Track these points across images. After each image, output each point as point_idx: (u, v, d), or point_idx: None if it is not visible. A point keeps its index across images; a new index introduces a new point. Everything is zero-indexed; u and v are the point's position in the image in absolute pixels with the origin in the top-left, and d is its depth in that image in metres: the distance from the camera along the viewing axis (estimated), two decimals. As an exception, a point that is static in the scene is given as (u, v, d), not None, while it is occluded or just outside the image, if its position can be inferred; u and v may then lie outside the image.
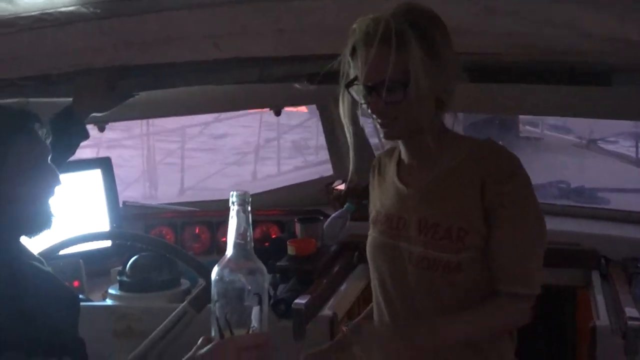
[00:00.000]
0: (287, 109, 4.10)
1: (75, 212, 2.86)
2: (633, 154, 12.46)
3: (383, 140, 2.03)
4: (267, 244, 3.26)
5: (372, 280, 2.12)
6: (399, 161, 2.08)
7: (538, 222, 1.92)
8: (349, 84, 1.89)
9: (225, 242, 3.13)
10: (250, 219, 1.53)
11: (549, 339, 3.22)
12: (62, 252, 2.32)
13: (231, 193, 1.53)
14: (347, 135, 1.98)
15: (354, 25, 1.83)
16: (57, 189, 1.85)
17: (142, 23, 2.16)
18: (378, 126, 1.91)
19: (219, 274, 1.52)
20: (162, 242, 2.59)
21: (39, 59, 2.27)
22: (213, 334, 1.53)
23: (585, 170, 10.45)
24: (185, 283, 2.81)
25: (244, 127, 14.19)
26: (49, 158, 1.84)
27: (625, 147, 12.80)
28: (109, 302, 2.76)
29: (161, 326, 2.37)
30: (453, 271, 1.88)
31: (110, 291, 2.77)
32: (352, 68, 1.87)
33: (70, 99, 2.37)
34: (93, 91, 2.34)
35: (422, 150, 1.95)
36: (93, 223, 3.07)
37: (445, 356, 1.93)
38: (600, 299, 2.69)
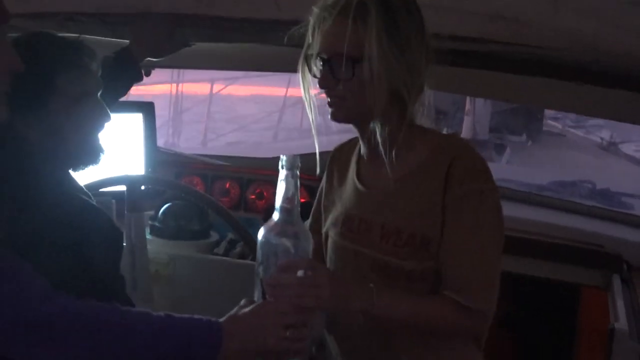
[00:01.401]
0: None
1: (113, 152, 2.88)
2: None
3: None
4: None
5: None
6: (359, 158, 1.92)
7: (498, 231, 1.74)
8: (308, 57, 1.75)
9: (253, 200, 3.20)
10: (298, 183, 1.54)
11: (557, 334, 3.26)
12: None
13: (281, 157, 1.54)
14: (309, 113, 1.82)
15: None
16: (106, 124, 1.88)
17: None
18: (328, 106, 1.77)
19: (265, 236, 1.54)
20: (205, 196, 2.58)
21: (100, -4, 2.30)
22: (256, 296, 1.55)
23: (608, 172, 10.43)
24: (214, 235, 2.85)
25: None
26: (99, 93, 1.87)
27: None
28: (138, 244, 2.79)
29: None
30: (416, 280, 1.75)
31: (141, 234, 2.81)
32: (314, 39, 1.73)
33: (126, 41, 2.39)
34: (153, 35, 2.34)
35: (382, 145, 1.76)
36: (128, 165, 3.10)
37: (398, 354, 1.82)
38: (620, 303, 2.71)
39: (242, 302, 1.59)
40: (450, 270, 1.72)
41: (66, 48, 1.80)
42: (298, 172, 1.54)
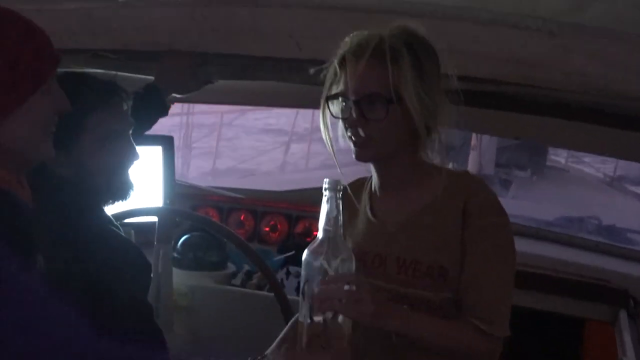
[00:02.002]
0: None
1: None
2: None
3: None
4: (309, 239, 3.34)
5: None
6: (371, 194, 1.96)
7: (513, 261, 1.84)
8: (331, 97, 1.82)
9: (267, 232, 3.26)
10: (340, 206, 1.58)
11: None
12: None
13: (324, 180, 1.59)
14: (330, 151, 1.89)
15: (347, 38, 1.80)
16: (135, 161, 1.95)
17: (233, 15, 2.26)
18: (352, 146, 1.82)
19: (309, 257, 1.58)
20: (223, 228, 2.65)
21: (127, 35, 2.38)
22: (302, 315, 1.58)
23: (612, 208, 10.46)
24: (231, 267, 2.91)
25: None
26: (130, 131, 1.94)
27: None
28: (157, 275, 2.86)
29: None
30: (434, 310, 1.81)
31: (160, 265, 2.87)
32: (337, 80, 1.81)
33: (150, 78, 2.47)
34: (177, 73, 2.42)
35: (396, 181, 1.88)
36: (146, 196, 3.17)
37: None
38: (627, 338, 2.76)
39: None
40: (472, 298, 1.79)
41: (99, 88, 1.88)
42: (340, 195, 1.59)
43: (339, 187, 1.59)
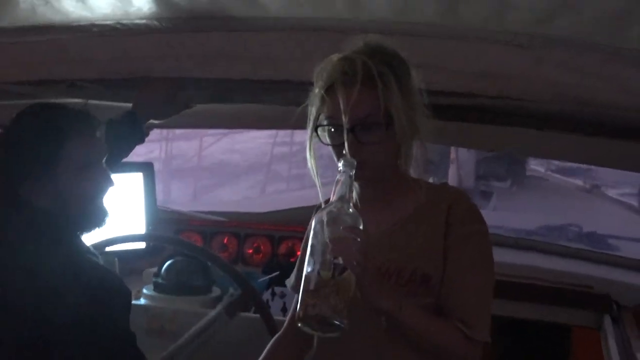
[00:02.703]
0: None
1: (114, 211, 2.96)
2: (635, 202, 12.53)
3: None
4: (293, 259, 3.34)
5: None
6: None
7: (492, 268, 1.89)
8: (323, 125, 1.83)
9: (251, 254, 3.27)
10: (352, 183, 1.71)
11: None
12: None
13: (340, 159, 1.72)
14: (316, 180, 1.91)
15: (325, 65, 1.81)
16: (109, 189, 1.96)
17: (208, 40, 2.28)
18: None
19: (317, 215, 1.68)
20: (207, 251, 2.67)
21: (104, 63, 2.39)
22: (309, 269, 1.63)
23: (592, 215, 10.54)
24: (216, 290, 2.91)
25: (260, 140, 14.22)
26: (104, 160, 1.96)
27: (627, 193, 12.87)
28: (142, 301, 2.86)
29: (193, 329, 2.47)
30: None
31: (145, 291, 2.88)
32: (324, 107, 1.81)
33: (128, 104, 2.48)
34: (154, 99, 2.43)
35: (379, 194, 1.91)
36: (129, 223, 3.18)
37: None
38: (612, 342, 2.79)
39: None
40: (454, 302, 1.82)
41: (72, 118, 1.89)
42: (353, 172, 1.70)
43: (353, 164, 1.70)
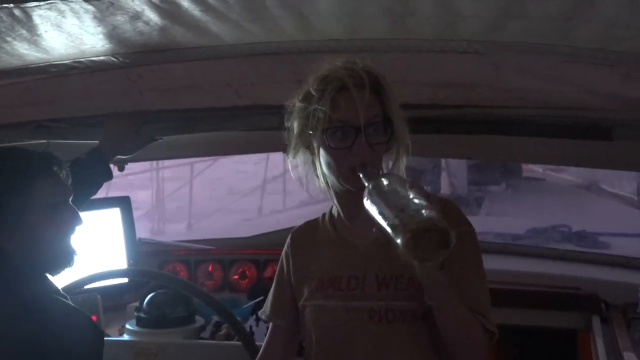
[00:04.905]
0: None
1: (94, 249, 2.95)
2: (634, 196, 12.50)
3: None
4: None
5: (312, 349, 2.00)
6: (334, 223, 2.03)
7: (483, 267, 1.96)
8: (333, 127, 1.85)
9: (237, 280, 3.25)
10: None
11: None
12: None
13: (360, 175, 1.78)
14: (323, 185, 1.96)
15: (330, 72, 1.85)
16: (77, 227, 1.95)
17: (168, 71, 2.28)
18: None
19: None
20: (186, 283, 2.66)
21: (68, 102, 2.39)
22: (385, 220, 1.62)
23: (586, 213, 10.52)
24: (199, 320, 2.89)
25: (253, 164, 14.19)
26: (70, 199, 1.94)
27: (626, 188, 12.85)
28: (125, 337, 2.84)
29: None
30: (418, 321, 1.87)
31: (128, 327, 2.85)
32: (330, 113, 1.84)
33: (94, 141, 2.47)
34: (120, 134, 2.43)
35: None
36: (110, 259, 3.17)
37: None
38: (600, 343, 2.76)
39: None
40: (466, 296, 1.86)
41: (36, 160, 1.88)
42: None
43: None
